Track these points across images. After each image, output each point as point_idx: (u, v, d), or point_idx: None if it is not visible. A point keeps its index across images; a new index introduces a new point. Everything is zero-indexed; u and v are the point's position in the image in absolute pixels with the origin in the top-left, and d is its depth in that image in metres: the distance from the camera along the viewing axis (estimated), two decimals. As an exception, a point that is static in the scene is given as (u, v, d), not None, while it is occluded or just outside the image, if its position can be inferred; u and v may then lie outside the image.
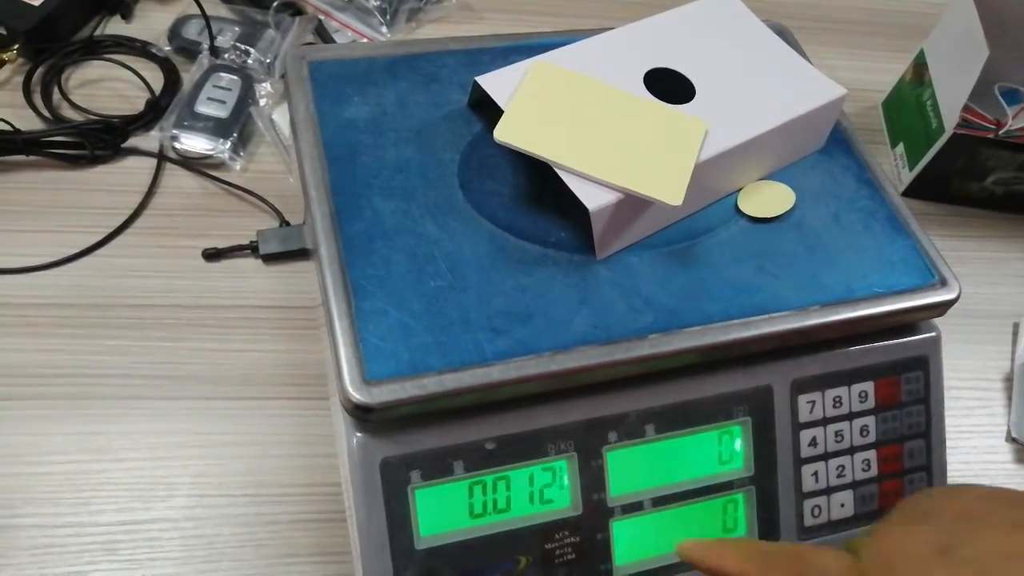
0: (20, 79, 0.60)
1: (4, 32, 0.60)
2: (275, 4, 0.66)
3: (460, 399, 0.36)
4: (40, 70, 0.61)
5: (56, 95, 0.61)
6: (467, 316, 0.37)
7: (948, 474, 0.45)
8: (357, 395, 0.34)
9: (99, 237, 0.54)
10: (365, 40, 0.67)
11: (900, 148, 0.67)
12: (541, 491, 0.38)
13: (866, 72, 0.73)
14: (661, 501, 0.40)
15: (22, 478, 0.46)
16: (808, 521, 0.42)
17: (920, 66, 0.66)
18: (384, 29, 0.67)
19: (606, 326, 0.38)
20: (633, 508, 0.39)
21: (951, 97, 0.60)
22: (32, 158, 0.57)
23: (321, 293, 0.38)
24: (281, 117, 0.61)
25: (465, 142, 0.44)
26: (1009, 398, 0.56)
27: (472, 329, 0.37)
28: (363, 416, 0.35)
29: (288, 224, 0.56)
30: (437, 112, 0.45)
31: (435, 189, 0.41)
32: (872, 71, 0.73)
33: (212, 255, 0.55)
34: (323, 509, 0.47)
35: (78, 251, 0.54)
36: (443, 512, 0.37)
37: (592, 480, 0.39)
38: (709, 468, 0.41)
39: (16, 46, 0.60)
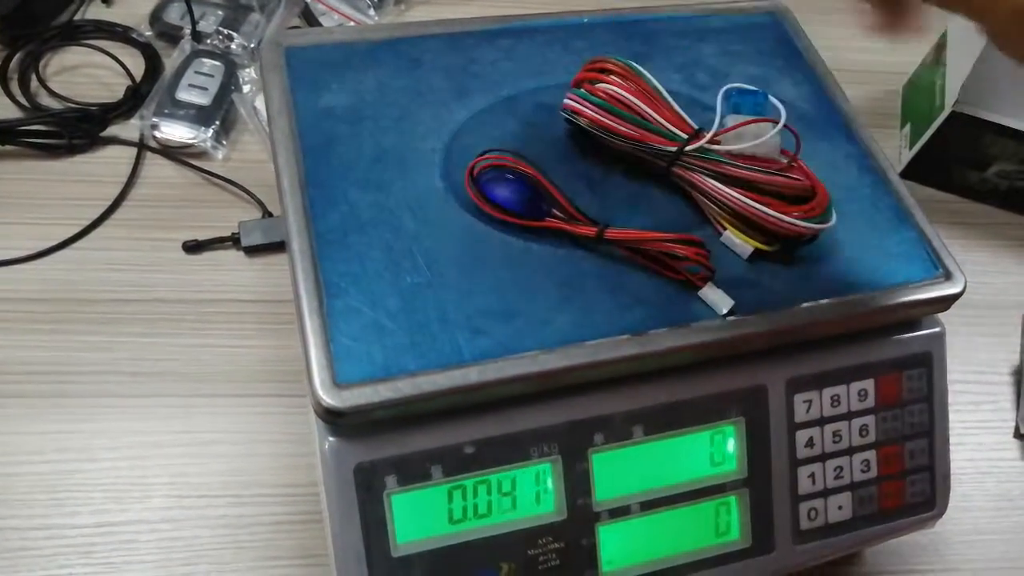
0: (-3, 66, 0.59)
1: (-20, 18, 0.59)
2: (259, -14, 0.64)
3: (437, 402, 0.34)
4: (18, 56, 0.60)
5: (34, 82, 0.59)
6: (445, 315, 0.35)
7: (952, 472, 0.43)
8: (327, 399, 0.33)
9: (77, 229, 0.53)
10: (352, 23, 0.65)
11: (907, 129, 0.65)
12: (523, 495, 0.37)
13: (887, 54, 0.71)
14: (650, 505, 0.38)
15: (-5, 479, 0.45)
16: (804, 524, 0.40)
17: (941, 47, 0.63)
18: (372, 12, 0.65)
19: (592, 324, 0.36)
20: (620, 512, 0.38)
21: (956, 75, 0.58)
22: (8, 147, 0.55)
23: (293, 290, 0.36)
24: (264, 104, 0.59)
25: (448, 131, 0.42)
26: (1017, 392, 0.54)
27: (450, 328, 0.35)
28: (334, 420, 0.33)
29: (271, 215, 0.55)
30: (419, 99, 0.43)
31: (414, 181, 0.40)
32: (894, 53, 0.70)
33: (193, 247, 0.53)
34: (306, 510, 0.46)
35: (55, 244, 0.52)
36: (421, 518, 0.36)
37: (577, 484, 0.37)
38: (700, 470, 0.39)
39: (-7, 32, 0.59)
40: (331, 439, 0.35)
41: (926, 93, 0.63)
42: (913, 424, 0.42)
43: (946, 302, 0.40)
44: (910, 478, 0.42)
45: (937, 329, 0.42)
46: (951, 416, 0.43)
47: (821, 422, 0.40)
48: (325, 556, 0.44)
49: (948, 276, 0.40)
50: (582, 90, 0.40)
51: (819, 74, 0.48)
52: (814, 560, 0.41)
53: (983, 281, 0.59)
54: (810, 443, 0.40)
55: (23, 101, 0.58)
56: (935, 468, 0.42)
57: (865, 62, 0.70)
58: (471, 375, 0.34)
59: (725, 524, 0.39)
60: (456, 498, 0.36)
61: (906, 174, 0.63)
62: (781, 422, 0.40)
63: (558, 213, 0.38)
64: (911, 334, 0.41)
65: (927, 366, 0.42)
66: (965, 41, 0.59)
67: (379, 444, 0.35)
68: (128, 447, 0.46)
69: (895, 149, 0.66)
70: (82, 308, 0.50)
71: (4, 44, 0.60)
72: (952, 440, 0.43)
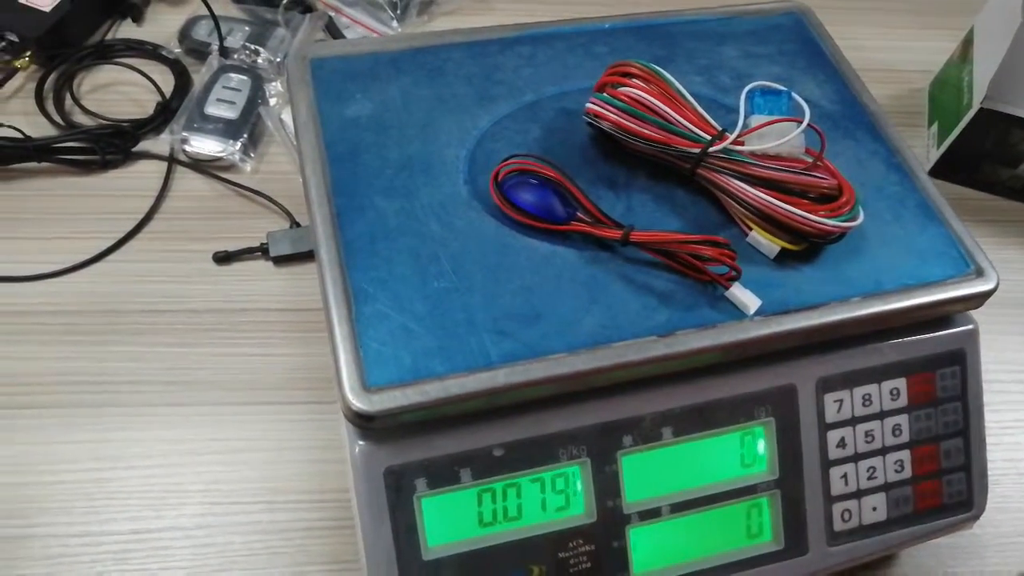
0: (33, 86, 0.60)
1: (16, 39, 0.60)
2: (284, 2, 0.65)
3: (465, 405, 0.34)
4: (52, 76, 0.61)
5: (68, 101, 0.60)
6: (472, 318, 0.35)
7: (990, 473, 0.43)
8: (357, 403, 0.33)
9: (110, 243, 0.54)
10: (375, 35, 0.66)
11: (934, 128, 0.64)
12: (553, 498, 0.37)
13: (913, 52, 0.70)
14: (680, 507, 0.38)
15: (35, 487, 0.45)
16: (838, 526, 0.40)
17: (968, 43, 0.62)
18: (395, 23, 0.66)
19: (618, 326, 0.36)
20: (651, 514, 0.38)
21: (984, 71, 0.57)
22: (44, 165, 0.57)
23: (322, 297, 0.37)
24: (291, 116, 0.60)
25: (471, 137, 0.42)
26: (1055, 391, 0.53)
27: (477, 331, 0.35)
28: (364, 424, 0.34)
29: (298, 225, 0.56)
30: (443, 107, 0.43)
31: (439, 187, 0.40)
32: (920, 51, 0.70)
33: (223, 258, 0.54)
34: (337, 516, 0.46)
35: (89, 257, 0.53)
36: (451, 521, 0.36)
37: (607, 486, 0.37)
38: (731, 471, 0.39)
39: (28, 53, 0.60)
40: (361, 443, 0.35)
41: (953, 90, 0.62)
42: (947, 423, 0.41)
43: (979, 299, 0.39)
44: (946, 478, 0.41)
45: (970, 326, 0.41)
46: (987, 416, 0.42)
47: (853, 422, 0.40)
48: (357, 562, 0.44)
49: (980, 273, 0.39)
50: (605, 94, 0.40)
51: (843, 73, 0.47)
52: (849, 562, 0.40)
53: (1016, 278, 0.58)
54: (842, 443, 0.40)
55: (58, 119, 0.59)
56: (972, 468, 0.42)
57: (890, 61, 0.69)
58: (499, 378, 0.34)
59: (757, 526, 0.39)
60: (486, 501, 0.36)
61: (935, 172, 0.62)
62: (812, 422, 0.39)
63: (583, 216, 0.38)
64: (943, 332, 0.41)
65: (960, 364, 0.41)
66: (992, 37, 0.58)
67: (409, 448, 0.35)
68: (162, 455, 0.47)
69: (923, 148, 0.65)
70: (116, 320, 0.51)
71: (39, 64, 0.61)
72: (989, 440, 0.42)
